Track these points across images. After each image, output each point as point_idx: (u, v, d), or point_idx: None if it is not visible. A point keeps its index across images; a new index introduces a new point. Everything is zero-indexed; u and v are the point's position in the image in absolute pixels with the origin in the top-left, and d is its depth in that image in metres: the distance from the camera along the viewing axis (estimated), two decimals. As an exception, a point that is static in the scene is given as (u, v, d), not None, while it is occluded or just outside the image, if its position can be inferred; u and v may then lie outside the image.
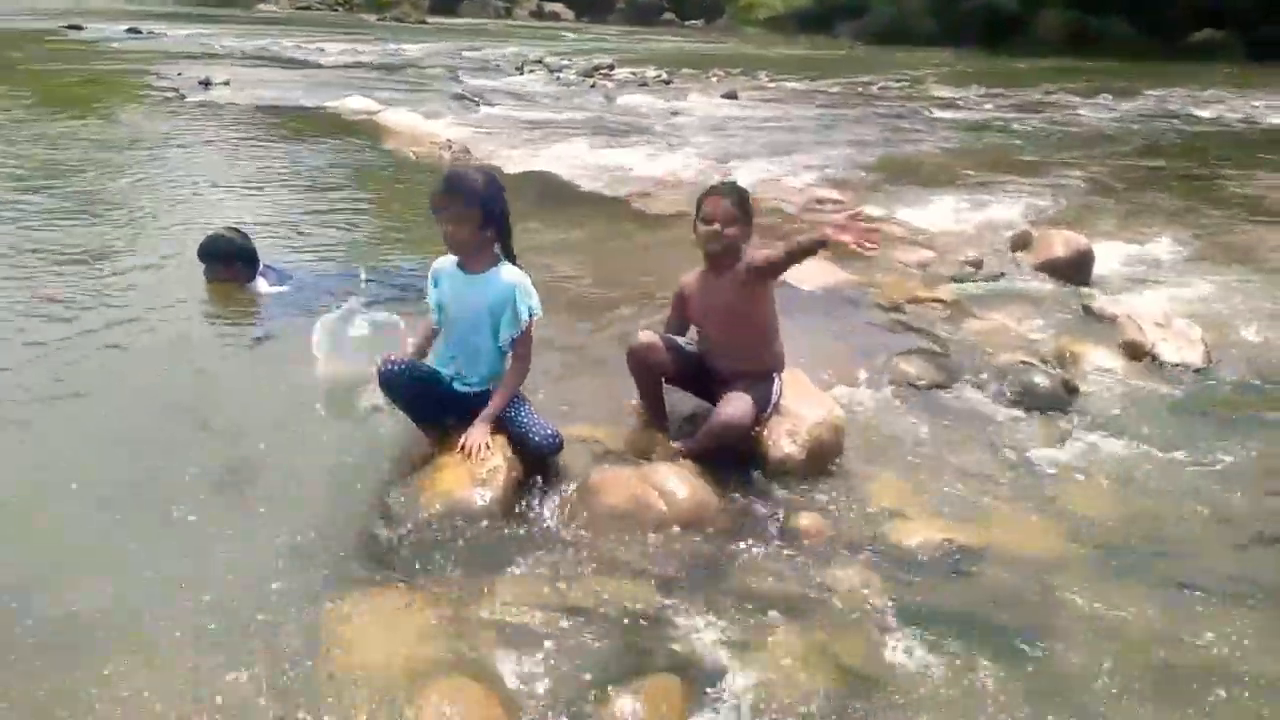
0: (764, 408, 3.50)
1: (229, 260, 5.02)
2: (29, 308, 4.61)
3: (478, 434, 3.24)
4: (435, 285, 3.41)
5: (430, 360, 3.48)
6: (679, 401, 3.77)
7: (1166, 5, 22.73)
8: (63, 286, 4.91)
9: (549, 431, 3.28)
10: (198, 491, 3.16)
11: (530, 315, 3.31)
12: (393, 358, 3.32)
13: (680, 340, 3.65)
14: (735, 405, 3.39)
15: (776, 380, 3.60)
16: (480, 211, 3.23)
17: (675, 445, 3.51)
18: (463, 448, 3.21)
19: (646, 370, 3.60)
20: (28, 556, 2.83)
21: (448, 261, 3.39)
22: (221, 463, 3.34)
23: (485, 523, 3.05)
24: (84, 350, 4.20)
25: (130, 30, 20.53)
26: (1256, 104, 14.68)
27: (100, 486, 3.19)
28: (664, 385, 3.69)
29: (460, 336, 3.40)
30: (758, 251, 3.42)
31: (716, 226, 3.40)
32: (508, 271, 3.33)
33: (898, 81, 16.36)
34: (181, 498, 3.11)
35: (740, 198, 3.45)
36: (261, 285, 5.02)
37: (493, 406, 3.30)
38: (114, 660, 2.38)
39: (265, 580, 2.72)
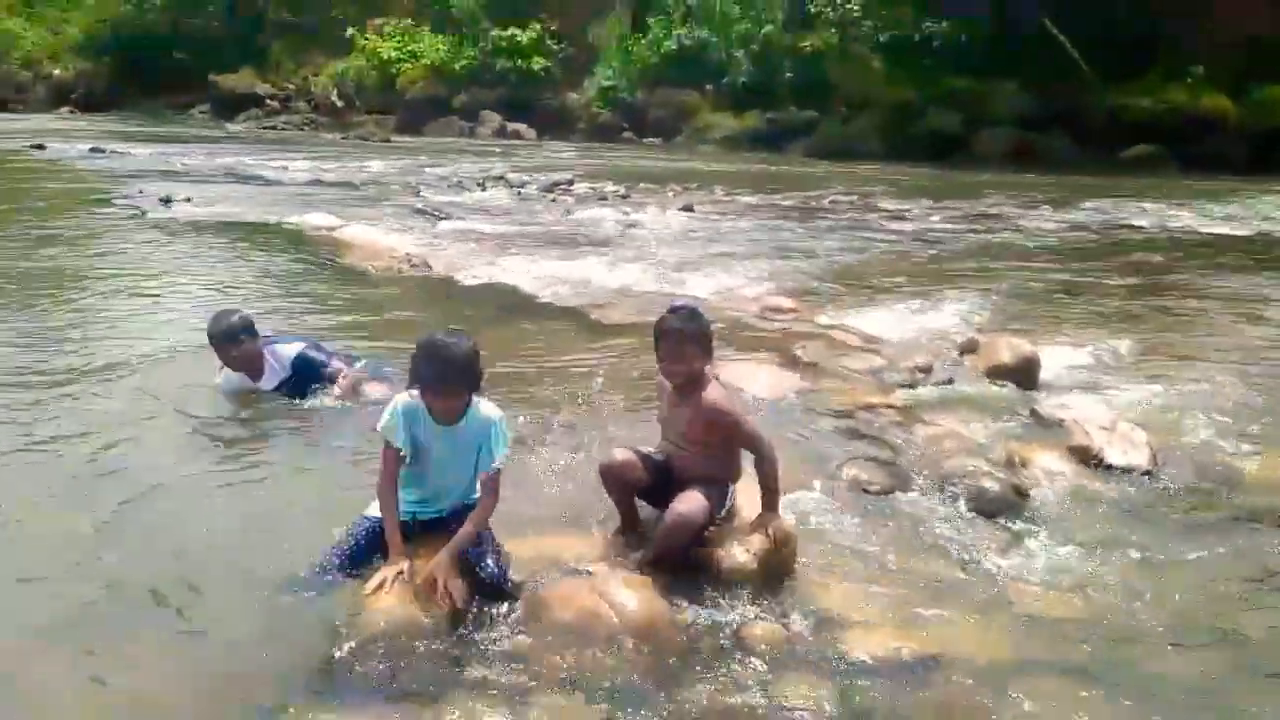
0: (717, 508, 3.51)
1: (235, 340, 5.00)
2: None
3: (447, 567, 3.12)
4: (408, 424, 3.27)
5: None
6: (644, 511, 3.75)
7: (1101, 122, 23.86)
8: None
9: (501, 571, 3.22)
10: (135, 607, 3.07)
11: (505, 450, 3.29)
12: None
13: (649, 451, 3.67)
14: (688, 503, 3.40)
15: (731, 487, 3.62)
16: (471, 385, 3.26)
17: (634, 558, 3.48)
18: (427, 580, 3.11)
19: (622, 486, 3.62)
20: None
21: (416, 407, 3.27)
22: (159, 577, 3.26)
23: (431, 639, 2.98)
24: (26, 459, 4.12)
25: (93, 150, 20.75)
26: (1189, 214, 15.32)
27: (39, 605, 3.09)
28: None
29: (438, 474, 3.36)
30: (721, 407, 3.47)
31: (680, 368, 3.48)
32: (484, 407, 3.32)
33: (847, 195, 16.90)
34: (120, 614, 3.02)
35: (694, 332, 3.47)
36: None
37: (463, 537, 3.18)
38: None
39: (207, 701, 2.64)
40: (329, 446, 4.57)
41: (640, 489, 3.64)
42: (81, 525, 3.63)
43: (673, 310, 3.57)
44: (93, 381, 5.34)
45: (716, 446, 3.55)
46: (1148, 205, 16.05)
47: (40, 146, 21.15)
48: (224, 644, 2.94)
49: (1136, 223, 14.35)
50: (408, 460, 3.30)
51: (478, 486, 3.33)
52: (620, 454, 3.60)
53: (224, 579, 3.28)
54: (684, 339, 3.45)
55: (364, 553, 3.27)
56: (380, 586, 3.09)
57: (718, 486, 3.54)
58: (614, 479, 3.59)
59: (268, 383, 5.10)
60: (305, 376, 5.08)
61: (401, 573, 3.13)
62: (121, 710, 2.68)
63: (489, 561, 3.20)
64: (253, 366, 5.08)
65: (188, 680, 2.78)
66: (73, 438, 4.50)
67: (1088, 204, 16.11)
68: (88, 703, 2.71)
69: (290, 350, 5.14)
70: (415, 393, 3.26)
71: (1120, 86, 24.18)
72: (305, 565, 3.23)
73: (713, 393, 3.49)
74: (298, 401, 5.01)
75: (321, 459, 4.45)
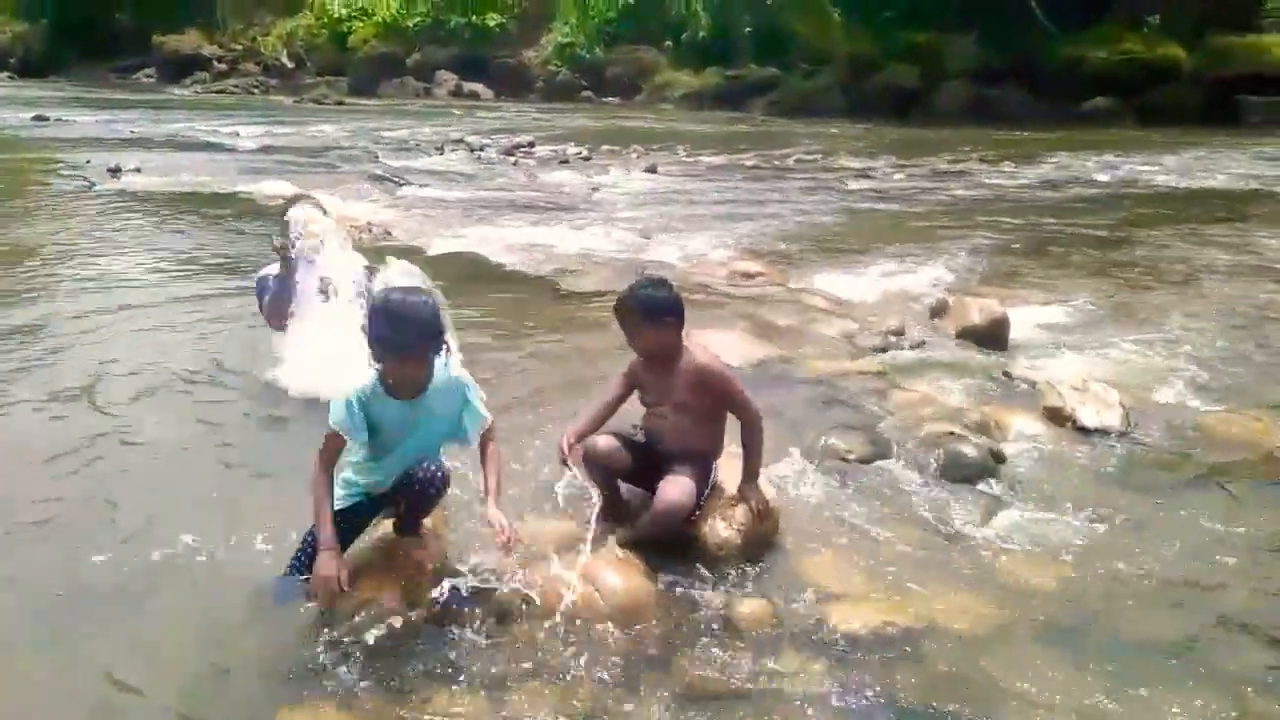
0: (703, 488, 3.47)
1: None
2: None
3: (498, 516, 3.01)
4: (363, 413, 2.99)
5: (346, 474, 3.16)
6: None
7: (1059, 75, 23.95)
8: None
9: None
10: (107, 606, 3.00)
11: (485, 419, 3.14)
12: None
13: (626, 433, 3.61)
14: (675, 487, 3.35)
15: (715, 463, 3.57)
16: (437, 348, 2.98)
17: (618, 535, 3.44)
18: (504, 537, 2.98)
19: (606, 473, 3.56)
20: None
21: (370, 391, 3.00)
22: (135, 571, 3.18)
23: (415, 629, 2.93)
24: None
25: (36, 118, 20.10)
26: (1149, 166, 15.47)
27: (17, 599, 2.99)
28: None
29: (400, 455, 3.10)
30: (711, 367, 3.43)
31: (640, 344, 3.44)
32: (449, 370, 3.09)
33: (810, 154, 16.84)
34: (93, 614, 2.95)
35: (649, 308, 3.37)
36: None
37: (496, 490, 3.08)
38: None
39: (184, 703, 2.57)
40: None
41: (626, 475, 3.60)
42: (41, 517, 3.52)
43: (632, 285, 3.49)
44: (45, 363, 5.18)
45: (705, 413, 3.49)
46: (1108, 158, 16.19)
47: (-21, 115, 20.46)
48: (201, 645, 2.86)
49: (1098, 177, 14.46)
50: (369, 446, 3.08)
51: (441, 453, 3.18)
52: (604, 441, 3.52)
53: (198, 577, 3.19)
54: (637, 318, 3.39)
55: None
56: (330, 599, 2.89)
57: (701, 462, 3.49)
58: (598, 467, 3.53)
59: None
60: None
61: (334, 587, 2.85)
62: (98, 713, 2.61)
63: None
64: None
65: (162, 682, 2.70)
66: (31, 428, 4.36)
67: (1049, 159, 16.20)
68: (59, 703, 2.63)
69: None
70: (370, 370, 3.00)
71: (1076, 37, 24.25)
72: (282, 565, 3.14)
73: (700, 355, 3.44)
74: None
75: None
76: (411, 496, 3.13)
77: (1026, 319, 6.56)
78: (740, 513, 3.46)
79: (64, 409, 4.60)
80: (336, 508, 3.01)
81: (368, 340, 2.96)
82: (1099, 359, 5.74)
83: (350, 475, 3.16)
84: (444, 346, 3.01)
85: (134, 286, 6.92)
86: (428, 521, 3.32)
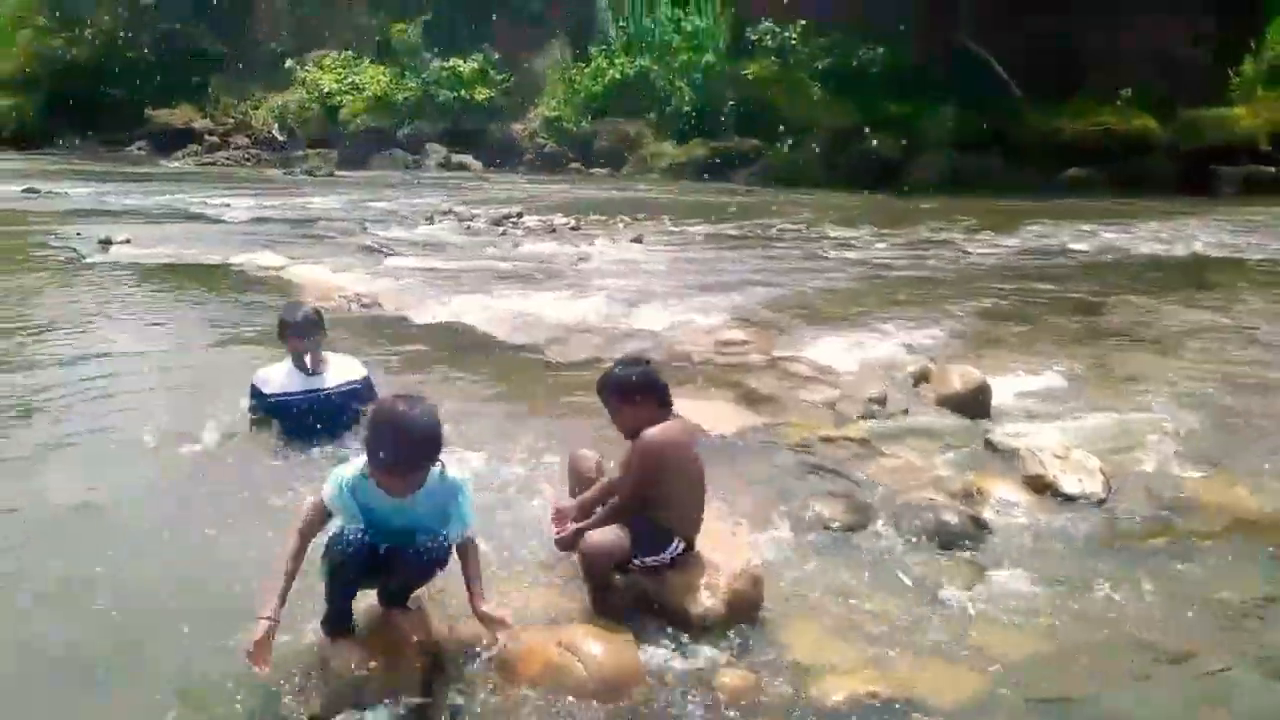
0: (646, 548, 3.47)
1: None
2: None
3: (491, 613, 3.09)
4: (354, 498, 3.03)
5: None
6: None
7: (1036, 145, 24.50)
8: None
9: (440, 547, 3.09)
10: (99, 662, 3.02)
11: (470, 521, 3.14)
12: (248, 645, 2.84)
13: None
14: (600, 533, 3.41)
15: (675, 537, 3.54)
16: (432, 463, 2.98)
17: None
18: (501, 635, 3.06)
19: (578, 477, 3.90)
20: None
21: (363, 482, 3.01)
22: (118, 638, 3.19)
23: (400, 696, 2.92)
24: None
25: (27, 190, 20.25)
26: (1127, 234, 15.76)
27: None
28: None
29: (394, 536, 3.08)
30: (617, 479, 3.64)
31: (616, 422, 3.65)
32: (447, 469, 3.09)
33: (794, 224, 17.09)
34: (83, 669, 2.94)
35: (609, 391, 3.60)
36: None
37: (480, 592, 3.13)
38: None
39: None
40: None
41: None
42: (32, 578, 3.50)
43: (610, 367, 3.72)
44: (37, 431, 5.18)
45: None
46: (1086, 227, 16.46)
47: (-31, 188, 20.60)
48: (191, 703, 2.84)
49: (1076, 246, 14.70)
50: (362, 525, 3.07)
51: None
52: (581, 453, 3.97)
53: (184, 644, 3.17)
54: (606, 397, 3.62)
55: (353, 582, 3.09)
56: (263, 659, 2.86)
57: (647, 527, 3.49)
58: (573, 469, 3.95)
59: (326, 382, 5.02)
60: (365, 397, 4.96)
61: (255, 663, 2.83)
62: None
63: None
64: (307, 361, 5.03)
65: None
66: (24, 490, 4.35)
67: (1028, 227, 16.48)
68: None
69: (358, 364, 5.25)
70: (362, 466, 3.00)
71: (1052, 109, 24.88)
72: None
73: (653, 431, 3.48)
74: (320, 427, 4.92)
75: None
76: (407, 567, 3.10)
77: (1008, 386, 6.63)
78: (723, 580, 3.48)
79: (40, 475, 4.59)
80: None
81: (366, 449, 2.96)
82: (1079, 425, 5.79)
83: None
84: (439, 455, 3.00)
85: (120, 358, 6.94)
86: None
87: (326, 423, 4.94)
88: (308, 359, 5.03)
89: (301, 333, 5.02)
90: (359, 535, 2.98)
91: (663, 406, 3.55)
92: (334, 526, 3.08)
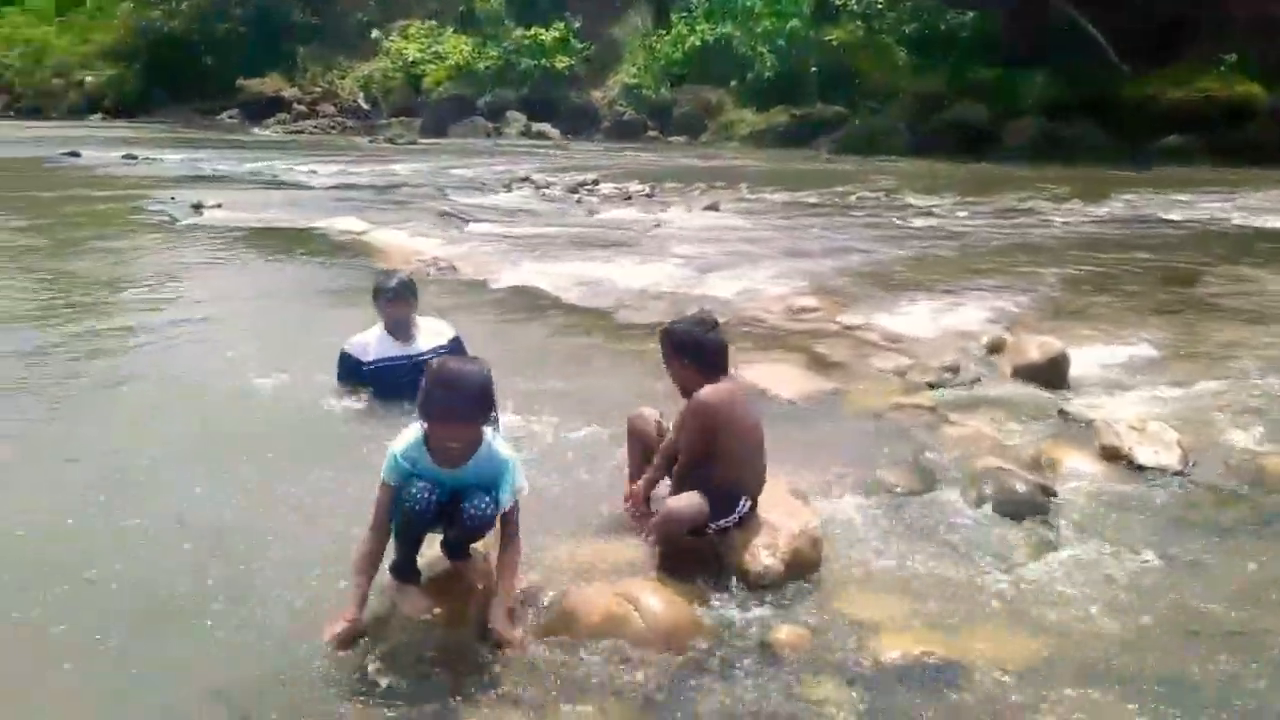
0: (723, 512, 3.51)
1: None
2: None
3: (505, 625, 3.05)
4: (411, 469, 3.10)
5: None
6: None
7: (1132, 112, 23.55)
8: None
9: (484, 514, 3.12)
10: (158, 609, 3.17)
11: (512, 491, 3.16)
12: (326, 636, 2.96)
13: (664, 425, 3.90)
14: (679, 499, 3.49)
15: (742, 497, 3.58)
16: (485, 415, 3.05)
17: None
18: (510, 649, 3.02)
19: (641, 443, 3.87)
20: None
21: (417, 449, 3.10)
22: (197, 575, 3.35)
23: (460, 647, 3.02)
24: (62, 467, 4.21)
25: (126, 157, 21.07)
26: (1223, 204, 15.11)
27: (70, 611, 3.16)
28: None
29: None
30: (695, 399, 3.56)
31: (672, 378, 3.72)
32: (497, 447, 3.15)
33: (874, 191, 16.81)
34: (139, 614, 3.13)
35: (664, 344, 3.68)
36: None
37: (508, 590, 3.11)
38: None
39: (232, 709, 2.69)
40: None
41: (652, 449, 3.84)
42: (119, 526, 3.71)
43: (676, 319, 3.81)
44: (125, 387, 5.45)
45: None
46: (1181, 197, 15.85)
47: (74, 154, 21.51)
48: (254, 651, 2.99)
49: (1169, 216, 14.17)
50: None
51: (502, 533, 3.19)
52: (641, 411, 3.95)
53: (262, 585, 3.33)
54: (662, 348, 3.69)
55: (419, 536, 3.19)
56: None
57: (714, 488, 3.52)
58: (631, 430, 3.93)
59: (418, 347, 5.15)
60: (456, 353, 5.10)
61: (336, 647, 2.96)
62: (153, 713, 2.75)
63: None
64: (402, 328, 5.19)
65: (212, 686, 2.84)
66: (107, 445, 4.59)
67: (1119, 197, 15.93)
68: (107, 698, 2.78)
69: (448, 326, 5.38)
70: (420, 428, 3.09)
71: (1151, 75, 23.86)
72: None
73: (706, 392, 3.51)
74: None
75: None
76: (461, 528, 3.20)
77: (1088, 357, 6.48)
78: (783, 540, 3.51)
79: (136, 420, 4.83)
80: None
81: (418, 401, 3.06)
82: (1160, 398, 5.64)
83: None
84: (493, 420, 3.09)
85: (209, 314, 7.23)
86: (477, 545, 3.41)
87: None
88: (402, 325, 5.16)
89: (397, 299, 5.15)
90: (427, 493, 3.07)
91: (713, 370, 3.56)
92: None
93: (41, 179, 17.40)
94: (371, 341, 5.21)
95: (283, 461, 4.39)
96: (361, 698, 2.79)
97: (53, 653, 2.97)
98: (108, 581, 3.36)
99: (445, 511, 3.16)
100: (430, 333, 5.28)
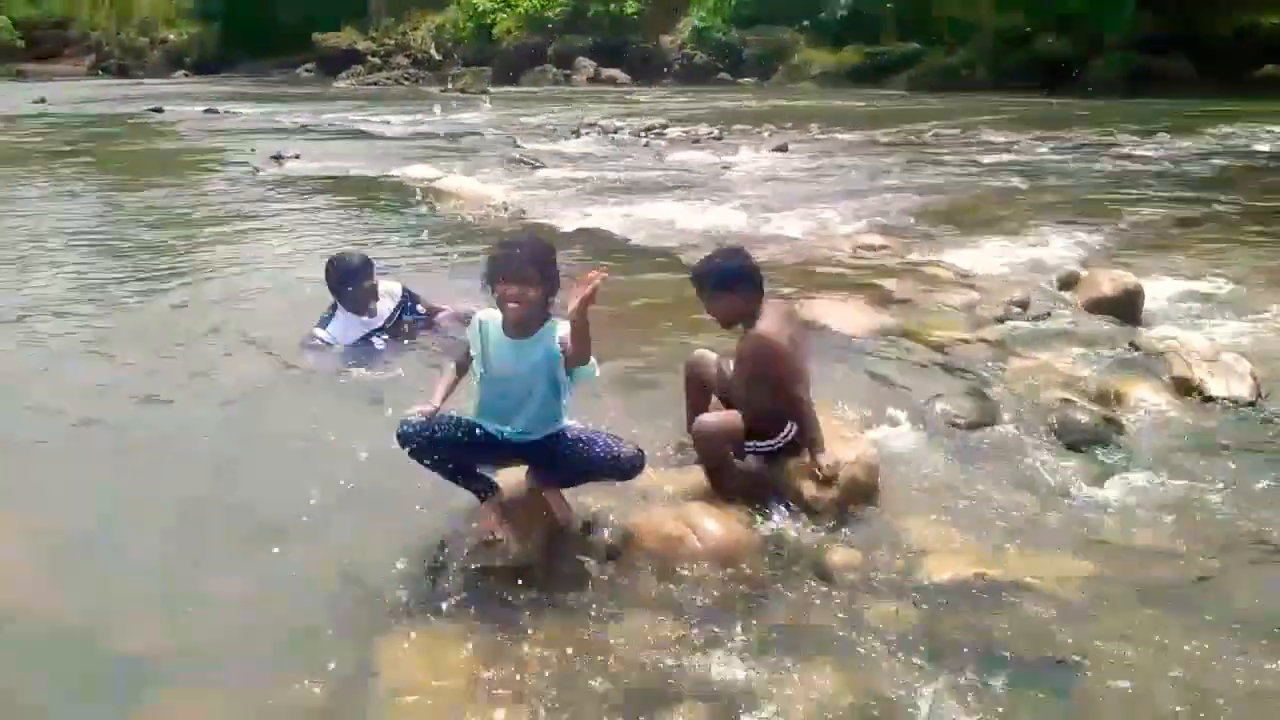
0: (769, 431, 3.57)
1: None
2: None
3: (563, 503, 3.32)
4: (482, 339, 3.23)
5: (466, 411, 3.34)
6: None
7: (1226, 43, 22.45)
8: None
9: (630, 451, 3.25)
10: (244, 532, 3.36)
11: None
12: (412, 416, 3.19)
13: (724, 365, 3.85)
14: (713, 415, 3.58)
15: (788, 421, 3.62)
16: (544, 279, 3.13)
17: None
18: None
19: (696, 383, 3.84)
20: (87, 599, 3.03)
21: (493, 322, 3.22)
22: (269, 504, 3.53)
23: (523, 564, 3.16)
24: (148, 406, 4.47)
25: (208, 110, 21.65)
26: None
27: (156, 528, 3.39)
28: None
29: (505, 392, 3.22)
30: (758, 337, 3.53)
31: (717, 314, 3.68)
32: (563, 327, 3.18)
33: (949, 129, 16.40)
34: (227, 537, 3.32)
35: (709, 282, 3.63)
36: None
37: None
38: (176, 693, 2.54)
39: (300, 617, 2.88)
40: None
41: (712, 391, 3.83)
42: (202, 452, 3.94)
43: (704, 258, 3.73)
44: (209, 330, 5.69)
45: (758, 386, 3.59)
46: (1275, 128, 15.12)
47: (159, 109, 22.19)
48: (318, 564, 3.18)
49: (1260, 148, 13.57)
50: (480, 374, 3.27)
51: (563, 413, 3.30)
52: (701, 354, 3.87)
53: (324, 502, 3.47)
54: (700, 285, 3.63)
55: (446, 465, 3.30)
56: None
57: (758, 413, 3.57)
58: (690, 374, 3.86)
59: (381, 316, 5.19)
60: (411, 306, 5.29)
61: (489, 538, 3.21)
62: (233, 627, 2.90)
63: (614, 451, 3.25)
64: (369, 303, 5.18)
65: (281, 597, 3.03)
66: (191, 384, 4.84)
67: (1208, 130, 15.30)
68: (184, 614, 2.96)
69: (393, 282, 5.39)
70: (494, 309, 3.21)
71: (1247, 3, 22.66)
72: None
73: (766, 324, 3.51)
74: (406, 341, 5.21)
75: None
76: (593, 468, 3.27)
77: (1164, 291, 6.34)
78: (840, 467, 3.56)
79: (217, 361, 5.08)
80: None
81: (484, 270, 3.18)
82: (1235, 331, 5.51)
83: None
84: (553, 285, 3.17)
85: (288, 259, 7.48)
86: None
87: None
88: (368, 302, 5.17)
89: (366, 279, 5.12)
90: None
91: (759, 291, 3.58)
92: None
93: (129, 134, 18.00)
94: (337, 331, 5.13)
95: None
96: (424, 610, 2.92)
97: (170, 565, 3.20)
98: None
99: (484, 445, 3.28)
100: (385, 296, 5.25)
